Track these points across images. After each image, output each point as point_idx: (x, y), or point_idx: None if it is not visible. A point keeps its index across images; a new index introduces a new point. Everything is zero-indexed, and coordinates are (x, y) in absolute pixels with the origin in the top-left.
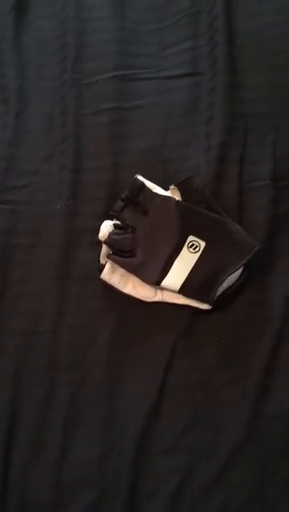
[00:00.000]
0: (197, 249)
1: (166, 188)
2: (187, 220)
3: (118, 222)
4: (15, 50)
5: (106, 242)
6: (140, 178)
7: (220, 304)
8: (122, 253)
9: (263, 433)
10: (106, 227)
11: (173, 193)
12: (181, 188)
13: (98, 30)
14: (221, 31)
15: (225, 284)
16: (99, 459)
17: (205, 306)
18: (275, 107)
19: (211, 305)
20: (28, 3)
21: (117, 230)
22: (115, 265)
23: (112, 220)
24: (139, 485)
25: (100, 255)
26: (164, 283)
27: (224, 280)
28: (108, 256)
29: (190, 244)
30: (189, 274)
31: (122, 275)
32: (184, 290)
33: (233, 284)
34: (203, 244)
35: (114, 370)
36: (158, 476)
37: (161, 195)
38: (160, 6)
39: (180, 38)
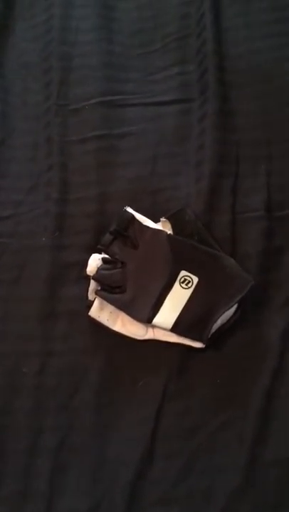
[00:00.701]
0: (190, 284)
1: (156, 220)
2: (179, 255)
3: (107, 256)
4: None
5: (94, 277)
6: (129, 210)
7: (214, 342)
8: (111, 289)
9: (260, 479)
10: (94, 262)
11: (164, 226)
12: (173, 221)
13: (84, 54)
14: (210, 56)
15: (219, 321)
16: (89, 510)
17: (198, 345)
18: (267, 135)
19: (204, 343)
20: (11, 25)
21: (105, 265)
22: (104, 302)
23: (100, 253)
24: None
25: (87, 291)
26: (156, 321)
27: (218, 317)
28: (96, 292)
29: (182, 279)
30: (182, 312)
31: (111, 312)
32: (177, 328)
33: (227, 321)
34: (196, 279)
35: (104, 413)
36: None
37: (151, 229)
38: (148, 29)
39: (168, 62)
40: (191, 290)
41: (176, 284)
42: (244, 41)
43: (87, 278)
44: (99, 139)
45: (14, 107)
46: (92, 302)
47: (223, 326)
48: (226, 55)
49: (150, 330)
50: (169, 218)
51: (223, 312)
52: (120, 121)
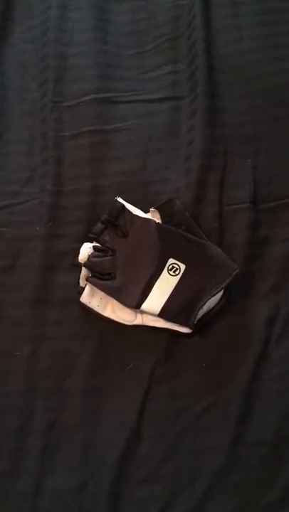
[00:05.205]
0: (177, 272)
1: (146, 211)
2: (167, 243)
3: (98, 244)
4: None
5: (85, 264)
6: (120, 200)
7: (200, 328)
8: (102, 276)
9: (243, 459)
10: (86, 250)
11: (153, 216)
12: (162, 211)
13: (79, 54)
14: (200, 56)
15: (205, 308)
16: (77, 488)
17: (185, 330)
18: (254, 132)
19: (191, 328)
20: (10, 26)
21: (96, 253)
22: (95, 288)
23: (91, 242)
24: None
25: (79, 278)
26: (144, 306)
27: (204, 303)
28: (87, 279)
29: (170, 267)
30: (169, 298)
31: (101, 298)
32: (164, 314)
33: (213, 308)
34: (183, 267)
35: (93, 396)
36: (137, 505)
37: (141, 218)
38: (141, 30)
39: (160, 62)
40: (178, 277)
41: (165, 272)
42: (233, 42)
43: (79, 266)
44: (92, 134)
45: (12, 103)
46: (83, 288)
47: (209, 312)
48: (215, 55)
49: (139, 315)
50: (158, 208)
51: (209, 298)
52: (113, 118)
